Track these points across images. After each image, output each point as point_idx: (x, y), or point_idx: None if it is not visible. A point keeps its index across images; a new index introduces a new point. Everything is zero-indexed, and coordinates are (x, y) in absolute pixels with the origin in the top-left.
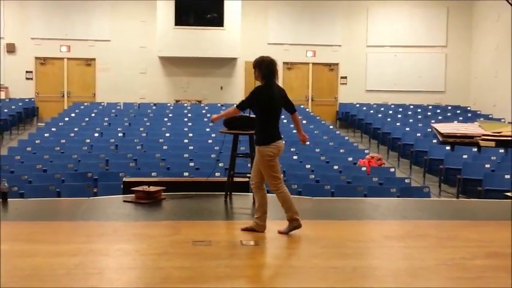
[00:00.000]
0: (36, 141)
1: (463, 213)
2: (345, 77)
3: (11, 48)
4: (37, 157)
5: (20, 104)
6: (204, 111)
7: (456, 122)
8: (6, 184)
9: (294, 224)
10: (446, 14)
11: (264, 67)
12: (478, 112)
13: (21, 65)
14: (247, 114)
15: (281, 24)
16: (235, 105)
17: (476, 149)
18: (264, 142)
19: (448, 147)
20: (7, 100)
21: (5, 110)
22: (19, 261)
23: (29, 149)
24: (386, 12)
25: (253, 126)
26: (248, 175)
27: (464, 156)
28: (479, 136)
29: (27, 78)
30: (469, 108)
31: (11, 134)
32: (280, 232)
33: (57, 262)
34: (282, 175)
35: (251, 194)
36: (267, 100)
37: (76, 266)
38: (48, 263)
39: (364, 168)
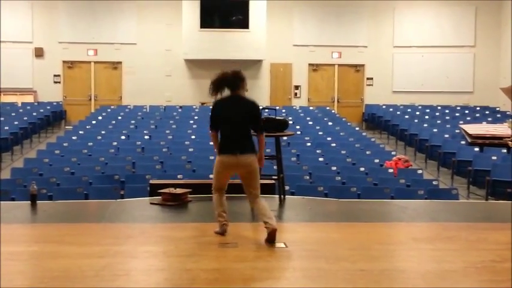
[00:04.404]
0: (64, 144)
1: (492, 215)
2: (371, 78)
3: (39, 53)
4: (65, 160)
5: (48, 107)
6: None
7: (485, 123)
8: (35, 186)
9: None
10: (474, 13)
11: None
12: (508, 113)
13: (49, 68)
14: (273, 116)
15: (306, 26)
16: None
17: (505, 151)
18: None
19: (476, 149)
20: (36, 104)
21: (34, 114)
22: (49, 263)
23: (57, 151)
24: (413, 12)
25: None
26: (274, 177)
27: (494, 158)
28: (509, 137)
29: (55, 82)
30: (498, 108)
31: (39, 137)
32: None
33: (85, 263)
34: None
35: (277, 196)
36: (217, 113)
37: (104, 268)
38: (77, 265)
39: (391, 170)
